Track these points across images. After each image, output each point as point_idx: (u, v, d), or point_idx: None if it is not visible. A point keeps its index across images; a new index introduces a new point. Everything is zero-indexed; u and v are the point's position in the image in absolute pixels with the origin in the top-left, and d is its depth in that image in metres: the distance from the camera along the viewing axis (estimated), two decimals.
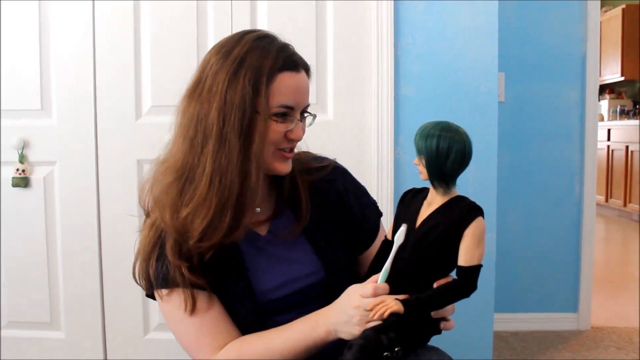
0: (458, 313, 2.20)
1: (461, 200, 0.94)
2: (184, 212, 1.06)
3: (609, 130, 6.60)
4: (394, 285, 0.96)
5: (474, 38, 2.08)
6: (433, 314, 0.98)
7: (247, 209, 1.07)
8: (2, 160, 2.11)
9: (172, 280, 1.10)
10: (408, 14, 2.07)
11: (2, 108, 2.10)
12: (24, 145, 2.10)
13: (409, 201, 1.01)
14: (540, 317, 3.15)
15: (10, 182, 2.10)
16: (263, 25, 2.04)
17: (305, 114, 1.15)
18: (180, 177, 1.08)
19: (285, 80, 1.08)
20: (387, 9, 2.02)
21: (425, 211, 0.96)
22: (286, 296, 1.17)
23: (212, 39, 2.05)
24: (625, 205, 6.28)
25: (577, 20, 3.06)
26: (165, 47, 2.06)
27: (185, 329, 1.14)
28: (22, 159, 2.10)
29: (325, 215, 1.22)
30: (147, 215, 1.17)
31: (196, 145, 1.06)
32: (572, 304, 3.15)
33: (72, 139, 2.09)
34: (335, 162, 1.29)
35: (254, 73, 1.05)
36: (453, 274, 0.98)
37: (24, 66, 2.09)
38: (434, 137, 0.90)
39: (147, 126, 2.07)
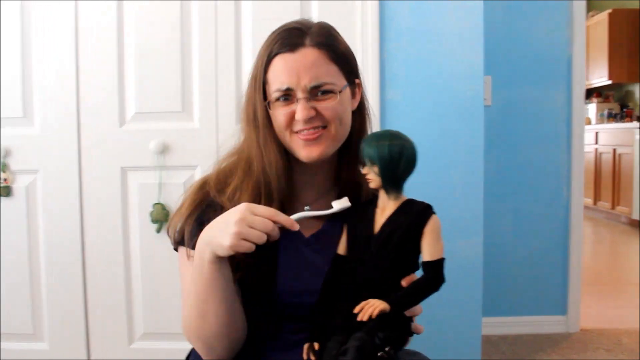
0: (446, 317, 2.21)
1: (413, 203, 0.99)
2: (228, 190, 1.12)
3: (596, 134, 6.63)
4: (363, 291, 0.96)
5: (460, 41, 2.08)
6: (406, 313, 0.99)
7: (277, 199, 1.10)
8: None
9: None
10: (393, 16, 2.06)
11: None
12: (6, 153, 2.07)
13: (361, 211, 1.04)
14: (529, 320, 3.15)
15: None
16: (247, 27, 2.04)
17: (321, 91, 1.09)
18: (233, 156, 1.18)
19: (277, 64, 1.09)
20: (372, 10, 2.02)
21: (381, 218, 0.99)
22: (300, 305, 1.13)
23: (197, 44, 2.04)
24: (613, 207, 6.31)
25: (563, 24, 3.07)
26: (149, 53, 2.05)
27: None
28: (4, 167, 2.07)
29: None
30: None
31: (241, 132, 1.18)
32: (561, 307, 3.15)
33: (55, 146, 2.07)
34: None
35: (256, 65, 1.12)
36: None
37: (5, 74, 2.07)
38: (384, 145, 0.96)
39: (132, 133, 2.06)
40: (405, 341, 1.01)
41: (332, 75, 1.10)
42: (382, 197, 1.00)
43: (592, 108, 7.39)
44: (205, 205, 1.13)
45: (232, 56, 2.03)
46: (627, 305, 3.65)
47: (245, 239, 0.95)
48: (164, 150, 2.03)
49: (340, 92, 1.11)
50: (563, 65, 3.10)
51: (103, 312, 2.10)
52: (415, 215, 0.96)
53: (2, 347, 2.12)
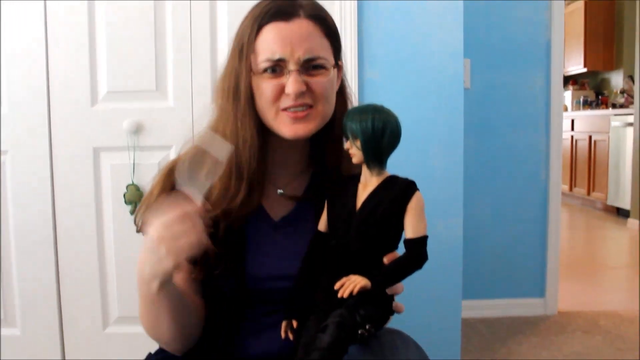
0: (426, 300, 2.20)
1: (396, 179, 0.97)
2: None
3: (572, 121, 6.69)
4: (344, 268, 0.94)
5: (440, 21, 2.06)
6: (387, 291, 0.97)
7: (247, 178, 1.05)
8: None
9: None
10: None
11: None
12: None
13: (341, 187, 1.02)
14: (508, 303, 3.16)
15: None
16: (222, 3, 1.99)
17: (314, 66, 1.04)
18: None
19: (269, 33, 1.03)
20: None
21: (362, 194, 0.97)
22: (276, 290, 1.10)
23: (170, 20, 1.99)
24: (589, 194, 6.38)
25: (542, 9, 3.07)
26: (122, 29, 1.99)
27: None
28: None
29: None
30: None
31: (215, 108, 1.12)
32: (539, 290, 3.17)
33: (25, 127, 2.01)
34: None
35: (242, 34, 1.05)
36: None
37: None
38: (367, 118, 0.93)
39: (104, 112, 2.00)
40: (386, 320, 0.99)
41: (325, 50, 1.06)
42: (365, 172, 0.98)
43: (568, 95, 7.46)
44: (175, 193, 1.07)
45: (207, 32, 1.98)
46: (603, 288, 3.70)
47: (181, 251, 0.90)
48: (137, 130, 1.98)
49: (331, 68, 1.06)
50: (541, 50, 3.11)
51: (76, 296, 2.05)
52: (398, 191, 0.94)
53: None
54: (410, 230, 0.93)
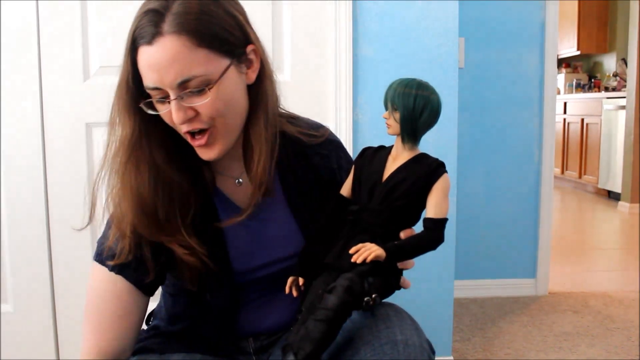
0: (419, 280, 2.20)
1: (427, 157, 0.97)
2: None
3: (565, 104, 6.70)
4: (360, 235, 0.95)
5: None
6: (399, 264, 0.98)
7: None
8: None
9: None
10: None
11: None
12: None
13: (371, 156, 1.02)
14: (499, 283, 3.18)
15: None
16: None
17: (192, 89, 0.94)
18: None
19: (141, 58, 0.94)
20: None
21: (392, 165, 0.98)
22: (266, 275, 1.11)
23: None
24: (580, 177, 6.41)
25: None
26: (113, 3, 1.95)
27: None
28: None
29: (314, 190, 1.15)
30: None
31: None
32: (530, 270, 3.20)
33: (16, 102, 1.98)
34: (330, 134, 1.21)
35: (126, 52, 0.97)
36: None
37: None
38: (410, 94, 0.94)
39: (96, 87, 1.97)
40: (391, 292, 0.99)
41: (202, 64, 0.93)
42: (397, 145, 0.99)
43: (560, 78, 7.45)
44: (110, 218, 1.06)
45: None
46: (593, 269, 3.73)
47: None
48: None
49: (218, 79, 0.95)
50: (536, 30, 3.10)
51: (69, 272, 2.03)
52: (427, 169, 0.95)
53: None
54: (431, 210, 0.95)
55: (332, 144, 1.20)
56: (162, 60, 0.91)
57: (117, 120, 1.01)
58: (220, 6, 0.96)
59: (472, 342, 2.54)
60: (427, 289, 2.16)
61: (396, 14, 2.03)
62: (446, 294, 2.20)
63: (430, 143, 2.18)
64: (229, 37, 0.96)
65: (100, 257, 1.05)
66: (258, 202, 1.06)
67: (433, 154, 0.98)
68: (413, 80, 0.96)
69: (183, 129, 0.98)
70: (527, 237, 3.19)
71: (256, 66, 1.03)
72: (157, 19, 0.92)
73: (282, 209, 1.12)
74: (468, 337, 2.61)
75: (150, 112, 0.98)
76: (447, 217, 0.95)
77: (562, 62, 7.53)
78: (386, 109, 0.97)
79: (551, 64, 3.10)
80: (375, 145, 1.05)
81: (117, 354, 1.06)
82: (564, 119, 6.63)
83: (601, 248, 4.36)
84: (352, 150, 2.00)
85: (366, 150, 1.04)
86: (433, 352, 1.01)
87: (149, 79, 0.94)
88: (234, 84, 0.99)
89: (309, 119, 1.21)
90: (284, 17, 2.00)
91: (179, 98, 0.94)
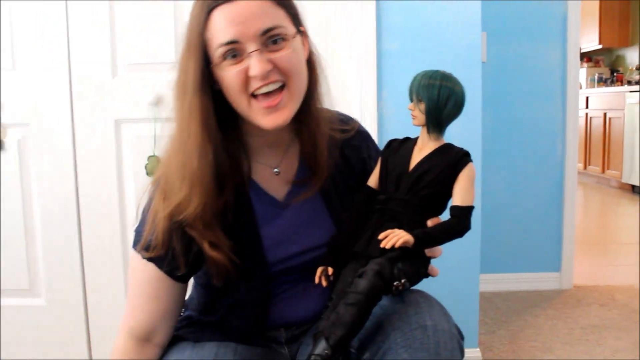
0: (444, 274, 2.19)
1: (452, 147, 0.99)
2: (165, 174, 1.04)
3: (587, 98, 6.64)
4: (388, 223, 0.97)
5: None
6: (427, 252, 1.00)
7: (188, 182, 1.00)
8: None
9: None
10: None
11: None
12: None
13: (397, 147, 1.04)
14: (523, 277, 3.17)
15: None
16: None
17: (273, 40, 0.98)
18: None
19: (216, 19, 0.95)
20: None
21: (418, 155, 1.00)
22: (298, 264, 1.12)
23: None
24: (603, 172, 6.35)
25: None
26: (142, 1, 1.99)
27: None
28: None
29: (346, 181, 1.17)
30: None
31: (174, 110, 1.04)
32: (555, 264, 3.18)
33: (47, 99, 2.02)
34: (360, 126, 1.23)
35: (191, 27, 0.99)
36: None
37: None
38: (435, 85, 0.96)
39: (125, 84, 2.01)
40: (419, 279, 1.01)
41: (281, 19, 0.99)
42: (423, 136, 1.01)
43: (582, 73, 7.39)
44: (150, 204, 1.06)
45: None
46: (619, 263, 3.70)
47: None
48: (158, 101, 2.00)
49: (293, 37, 1.00)
50: (558, 24, 3.08)
51: (99, 266, 2.08)
52: (453, 158, 0.97)
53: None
54: (458, 198, 0.96)
55: (362, 135, 1.23)
56: (246, 11, 0.95)
57: (186, 97, 0.99)
58: None
59: (498, 335, 2.54)
60: (453, 282, 2.16)
61: (419, 10, 2.04)
62: (472, 287, 2.20)
63: (455, 137, 2.19)
64: (294, 8, 1.04)
65: (136, 245, 1.08)
66: (315, 187, 1.11)
67: (457, 145, 1.00)
68: (437, 71, 0.98)
69: (257, 84, 0.97)
70: (551, 231, 3.17)
71: (307, 47, 1.08)
72: None
73: (314, 197, 1.14)
74: (493, 329, 2.61)
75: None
76: (473, 204, 0.96)
77: (584, 56, 7.46)
78: (411, 100, 0.99)
79: (574, 58, 3.08)
80: (400, 137, 1.07)
81: (146, 333, 1.09)
82: (586, 114, 6.57)
83: (626, 242, 4.32)
84: (377, 142, 2.01)
85: (392, 142, 1.06)
86: (462, 338, 1.02)
87: (229, 33, 0.95)
88: (301, 50, 1.04)
89: (339, 112, 1.23)
90: (308, 11, 2.01)
91: (260, 50, 0.96)
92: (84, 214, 2.06)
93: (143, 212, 1.09)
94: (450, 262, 2.22)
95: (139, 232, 1.09)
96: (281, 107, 1.00)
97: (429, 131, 0.99)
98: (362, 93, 2.02)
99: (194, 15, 0.98)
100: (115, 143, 2.03)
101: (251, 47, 0.96)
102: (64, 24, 2.00)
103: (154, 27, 1.99)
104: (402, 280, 0.93)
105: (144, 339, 1.09)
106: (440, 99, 0.95)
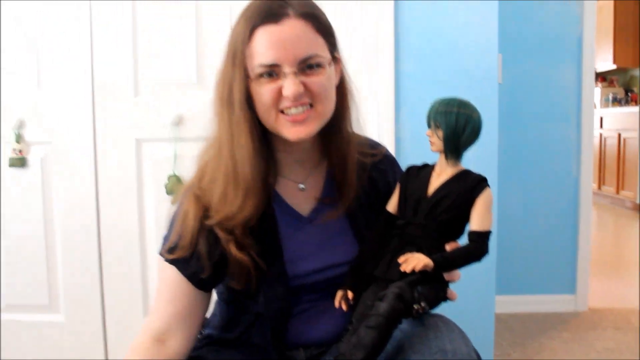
0: (460, 295, 2.20)
1: (469, 173, 1.02)
2: (204, 182, 1.09)
3: (601, 118, 6.62)
4: (407, 247, 0.99)
5: (474, 13, 2.07)
6: (445, 276, 1.01)
7: (243, 186, 1.04)
8: None
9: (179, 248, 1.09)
10: None
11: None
12: (20, 124, 2.07)
13: (416, 173, 1.07)
14: (537, 299, 3.16)
15: (7, 163, 2.07)
16: None
17: (309, 65, 1.03)
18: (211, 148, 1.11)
19: (260, 38, 1.01)
20: None
21: (436, 181, 1.02)
22: (319, 281, 1.14)
23: (211, 14, 2.02)
24: (617, 192, 6.31)
25: (574, 2, 3.05)
26: (164, 22, 2.03)
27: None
28: (18, 138, 2.07)
29: (372, 203, 1.19)
30: None
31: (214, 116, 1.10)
32: (570, 286, 3.16)
33: (69, 118, 2.06)
34: (387, 151, 1.27)
35: (234, 39, 1.04)
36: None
37: (18, 42, 2.06)
38: (452, 112, 0.98)
39: (146, 104, 2.05)
40: (438, 303, 1.02)
41: (320, 47, 1.04)
42: (441, 162, 1.03)
43: (596, 93, 7.37)
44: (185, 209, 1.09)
45: None
46: (634, 285, 3.66)
47: None
48: (179, 121, 2.03)
49: (328, 65, 1.06)
50: (573, 44, 3.09)
51: (118, 284, 2.10)
52: (471, 184, 0.99)
53: (18, 318, 2.13)
54: (476, 223, 0.98)
55: (389, 159, 1.26)
56: (289, 37, 1.00)
57: (234, 108, 1.04)
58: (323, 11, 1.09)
59: (514, 358, 2.53)
60: (469, 303, 2.16)
61: (436, 33, 2.06)
62: (487, 308, 2.20)
63: (471, 160, 2.20)
64: (333, 35, 1.10)
65: (162, 250, 1.11)
66: (343, 205, 1.15)
67: (473, 168, 1.02)
68: (454, 98, 1.00)
69: (287, 104, 1.03)
70: (566, 252, 3.16)
71: (338, 73, 1.12)
72: (281, 3, 1.02)
73: (337, 220, 1.16)
74: (508, 352, 2.60)
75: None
76: (491, 229, 0.98)
77: (598, 76, 7.45)
78: (429, 127, 1.01)
79: (589, 78, 3.09)
80: (418, 157, 1.10)
81: (160, 333, 1.10)
82: (600, 134, 6.55)
83: None
84: None
85: (410, 169, 1.08)
86: None
87: (269, 56, 1.00)
88: (333, 76, 1.09)
89: (367, 137, 1.26)
90: None
91: (295, 73, 1.01)
92: (104, 231, 2.09)
93: (171, 219, 1.12)
94: (465, 283, 2.21)
95: (166, 237, 1.12)
96: (306, 122, 1.05)
97: (446, 157, 1.01)
98: (379, 114, 2.04)
99: (237, 31, 1.03)
100: (136, 162, 2.06)
101: (288, 69, 1.01)
102: (88, 43, 2.04)
103: (176, 48, 2.03)
104: (422, 304, 0.95)
105: (158, 339, 1.10)
106: (457, 125, 0.98)
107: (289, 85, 1.01)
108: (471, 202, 0.98)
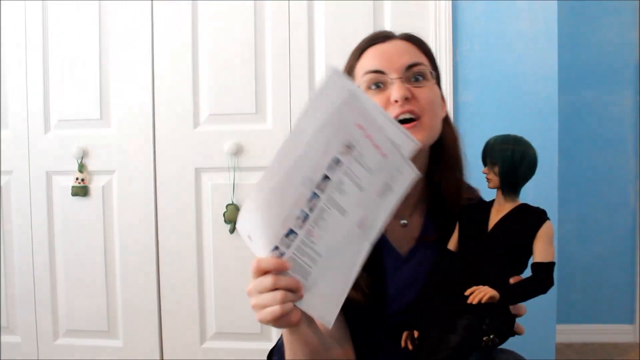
0: (521, 323, 2.16)
1: (529, 207, 1.01)
2: None
3: None
4: (471, 283, 0.97)
5: (533, 42, 2.05)
6: (512, 310, 1.00)
7: None
8: (62, 169, 2.13)
9: None
10: (466, 17, 2.04)
11: (62, 118, 2.14)
12: (84, 154, 2.12)
13: (474, 210, 1.07)
14: (595, 328, 3.07)
15: (70, 191, 2.12)
16: (320, 27, 2.02)
17: (415, 76, 1.07)
18: None
19: (368, 54, 1.09)
20: (446, 11, 2.00)
21: (495, 216, 1.02)
22: (408, 320, 1.11)
23: (270, 45, 2.04)
24: None
25: (631, 27, 3.00)
26: (223, 54, 2.07)
27: None
28: (82, 168, 2.12)
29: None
30: None
31: None
32: (628, 316, 3.07)
33: (131, 148, 2.11)
34: (480, 195, 1.25)
35: (347, 62, 1.13)
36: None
37: (82, 75, 2.12)
38: (507, 148, 0.99)
39: (206, 134, 2.08)
40: (506, 337, 1.00)
41: (424, 60, 1.10)
42: (499, 198, 1.03)
43: None
44: None
45: (305, 57, 2.03)
46: None
47: (266, 306, 0.83)
48: (237, 151, 2.05)
49: (432, 78, 1.10)
50: (630, 69, 3.03)
51: (176, 311, 2.12)
52: (531, 217, 0.99)
53: (77, 343, 2.18)
54: (539, 255, 0.98)
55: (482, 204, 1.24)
56: (394, 49, 1.08)
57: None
58: None
59: None
60: (529, 333, 2.11)
61: (495, 61, 2.05)
62: (548, 338, 2.16)
63: (531, 183, 2.17)
64: (435, 60, 1.15)
65: None
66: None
67: (533, 195, 1.02)
68: (509, 135, 1.01)
69: (395, 111, 1.04)
70: (625, 281, 3.07)
71: (445, 106, 1.17)
72: (388, 32, 1.13)
73: (433, 252, 1.13)
74: None
75: None
76: (554, 260, 0.97)
77: None
78: (485, 164, 1.02)
79: None
80: (479, 187, 1.12)
81: None
82: None
83: None
84: None
85: (468, 206, 1.09)
86: None
87: (375, 64, 1.07)
88: (437, 93, 1.12)
89: (468, 184, 1.24)
90: None
91: (402, 80, 1.05)
92: (162, 258, 2.12)
93: None
94: (527, 312, 2.19)
95: None
96: (414, 130, 1.03)
97: (504, 193, 1.01)
98: None
99: (349, 57, 1.13)
100: (195, 191, 2.09)
101: (394, 76, 1.05)
102: (150, 75, 2.09)
103: (234, 79, 2.06)
104: (491, 336, 0.94)
105: None
106: (514, 161, 0.98)
107: (396, 90, 1.04)
108: (532, 236, 0.98)
